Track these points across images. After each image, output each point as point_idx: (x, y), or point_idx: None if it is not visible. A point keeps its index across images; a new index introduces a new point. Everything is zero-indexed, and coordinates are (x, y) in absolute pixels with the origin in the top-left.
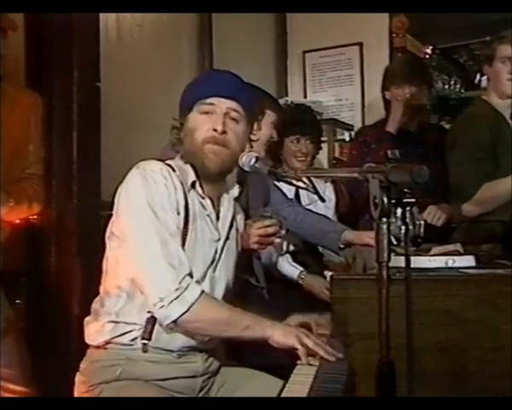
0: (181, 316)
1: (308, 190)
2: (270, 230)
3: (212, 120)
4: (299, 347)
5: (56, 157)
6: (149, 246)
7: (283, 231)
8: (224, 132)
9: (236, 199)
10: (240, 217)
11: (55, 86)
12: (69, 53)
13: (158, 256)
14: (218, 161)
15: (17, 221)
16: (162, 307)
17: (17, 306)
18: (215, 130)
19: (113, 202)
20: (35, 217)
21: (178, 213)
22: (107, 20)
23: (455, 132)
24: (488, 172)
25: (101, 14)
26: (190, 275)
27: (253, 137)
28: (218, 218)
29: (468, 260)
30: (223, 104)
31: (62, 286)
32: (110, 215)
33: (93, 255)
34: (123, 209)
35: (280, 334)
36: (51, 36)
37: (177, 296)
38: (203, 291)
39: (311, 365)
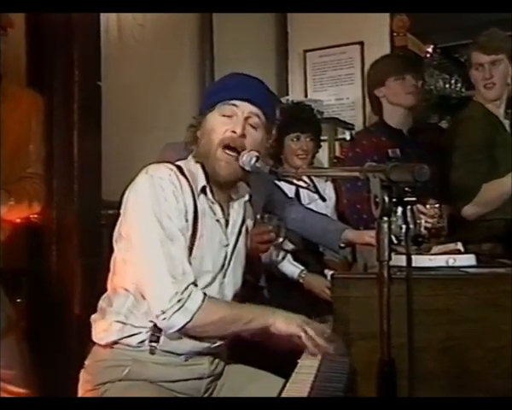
0: (185, 325)
1: (309, 189)
2: (266, 237)
3: (231, 122)
4: (301, 334)
5: (57, 156)
6: (153, 257)
7: (281, 239)
8: (242, 136)
9: (246, 202)
10: (249, 221)
11: (55, 85)
12: (70, 52)
13: (160, 268)
14: (230, 169)
15: (18, 220)
16: (165, 318)
17: (18, 305)
18: (234, 132)
19: (113, 201)
20: (36, 216)
21: (187, 220)
22: (108, 20)
23: (451, 135)
24: (486, 173)
25: (102, 14)
26: (194, 284)
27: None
28: (227, 223)
29: (468, 259)
30: (245, 108)
31: (63, 285)
32: (111, 214)
33: (94, 254)
34: (130, 215)
35: (282, 321)
36: (52, 35)
37: (180, 307)
38: (205, 296)
39: (314, 353)
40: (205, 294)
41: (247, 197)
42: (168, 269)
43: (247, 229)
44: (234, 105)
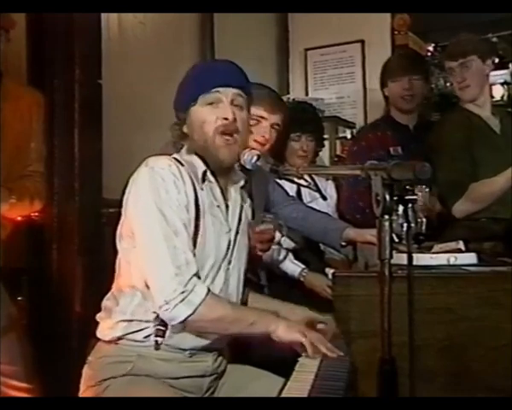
0: (187, 318)
1: (310, 187)
2: (266, 236)
3: (219, 109)
4: (303, 340)
5: (58, 154)
6: (156, 248)
7: (282, 238)
8: (234, 120)
9: (242, 187)
10: (247, 205)
11: (56, 83)
12: (71, 50)
13: (164, 259)
14: (232, 152)
15: (19, 218)
16: (167, 309)
17: (19, 303)
18: (225, 119)
19: (114, 200)
20: (37, 214)
21: (188, 210)
22: (109, 18)
23: (433, 138)
24: (469, 171)
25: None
26: (197, 275)
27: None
28: (227, 208)
29: (470, 258)
30: (228, 92)
31: (64, 283)
32: (111, 212)
33: (94, 253)
34: (131, 209)
35: (283, 329)
36: (53, 33)
37: (183, 299)
38: (209, 290)
39: (314, 358)
40: (209, 289)
41: (242, 183)
42: (172, 259)
43: (246, 216)
44: (217, 92)
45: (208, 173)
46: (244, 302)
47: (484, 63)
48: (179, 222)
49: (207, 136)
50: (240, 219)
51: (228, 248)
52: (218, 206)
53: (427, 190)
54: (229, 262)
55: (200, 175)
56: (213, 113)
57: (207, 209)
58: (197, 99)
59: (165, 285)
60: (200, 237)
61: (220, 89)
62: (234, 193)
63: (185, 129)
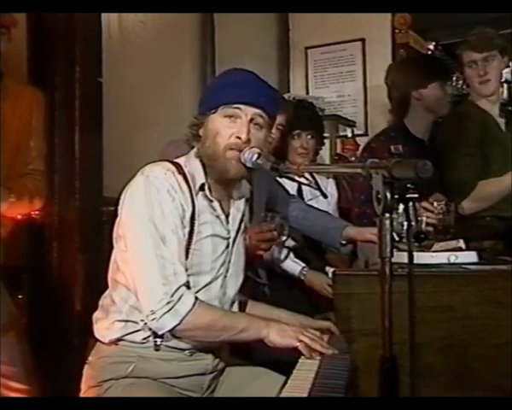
0: (174, 328)
1: (310, 185)
2: (267, 235)
3: (236, 126)
4: (297, 344)
5: (58, 153)
6: (145, 258)
7: (284, 238)
8: (248, 140)
9: (247, 200)
10: (247, 217)
11: (57, 82)
12: (71, 49)
13: (152, 269)
14: (239, 167)
15: (19, 217)
16: (154, 319)
17: (19, 301)
18: (238, 138)
19: (114, 198)
20: (37, 212)
21: (183, 217)
22: (110, 17)
23: (443, 133)
24: (480, 168)
25: None
26: (186, 285)
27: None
28: (227, 218)
29: (470, 256)
30: (249, 111)
31: (64, 282)
32: (112, 211)
33: (95, 251)
34: (125, 216)
35: (275, 334)
36: (53, 32)
37: (169, 309)
38: (196, 299)
39: (313, 358)
40: (196, 298)
41: (247, 194)
42: (159, 270)
43: (245, 226)
44: (237, 108)
45: (205, 187)
46: (242, 311)
47: (502, 59)
48: (170, 232)
49: (218, 148)
50: (239, 229)
51: (225, 257)
52: (218, 216)
53: (444, 201)
54: (227, 270)
55: (197, 186)
56: (229, 127)
57: (206, 217)
58: (218, 108)
59: (152, 295)
60: (196, 243)
61: (242, 106)
62: (238, 204)
63: (201, 132)
